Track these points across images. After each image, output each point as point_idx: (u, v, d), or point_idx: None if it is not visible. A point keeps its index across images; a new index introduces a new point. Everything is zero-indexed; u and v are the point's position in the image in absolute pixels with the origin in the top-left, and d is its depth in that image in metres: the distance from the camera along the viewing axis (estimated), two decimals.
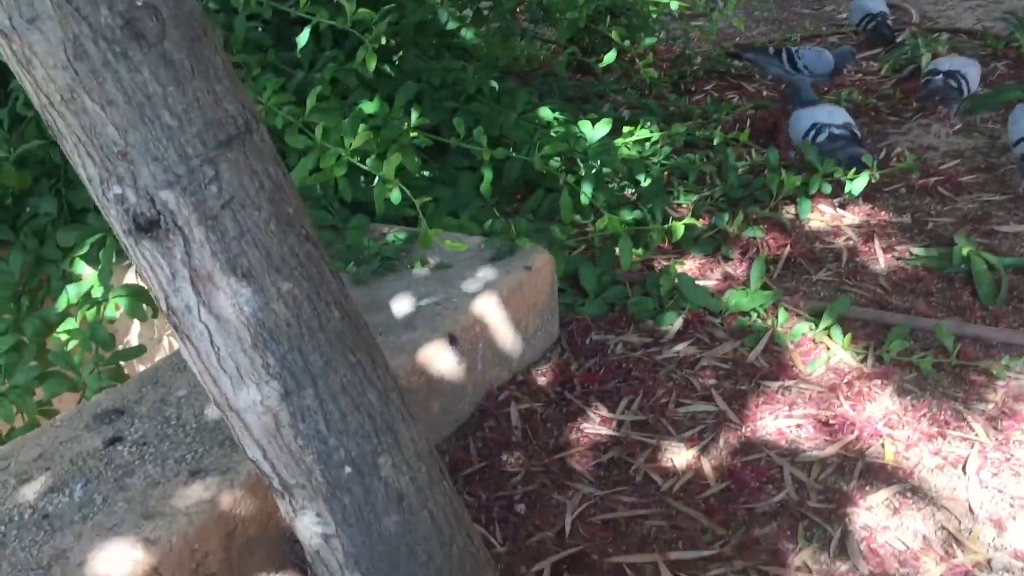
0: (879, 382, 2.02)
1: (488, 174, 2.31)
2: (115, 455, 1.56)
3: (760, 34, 5.18)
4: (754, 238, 2.65)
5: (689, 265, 2.60)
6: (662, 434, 1.93)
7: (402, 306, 1.98)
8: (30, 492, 1.47)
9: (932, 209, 2.83)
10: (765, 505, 1.72)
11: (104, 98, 0.95)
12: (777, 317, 2.25)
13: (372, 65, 2.06)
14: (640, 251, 2.62)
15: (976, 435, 1.85)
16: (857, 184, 2.80)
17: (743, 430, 1.92)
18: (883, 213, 2.82)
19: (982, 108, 3.48)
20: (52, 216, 2.48)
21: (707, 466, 1.83)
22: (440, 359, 1.86)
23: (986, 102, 3.45)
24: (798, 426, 1.92)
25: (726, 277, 2.52)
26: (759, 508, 1.71)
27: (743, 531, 1.66)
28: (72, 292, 2.29)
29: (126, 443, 1.59)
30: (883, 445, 1.84)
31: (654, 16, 3.01)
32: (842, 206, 2.87)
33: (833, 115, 3.11)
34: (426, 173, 2.66)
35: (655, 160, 3.15)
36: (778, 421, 1.94)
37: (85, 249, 2.36)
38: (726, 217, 2.72)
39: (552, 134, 2.86)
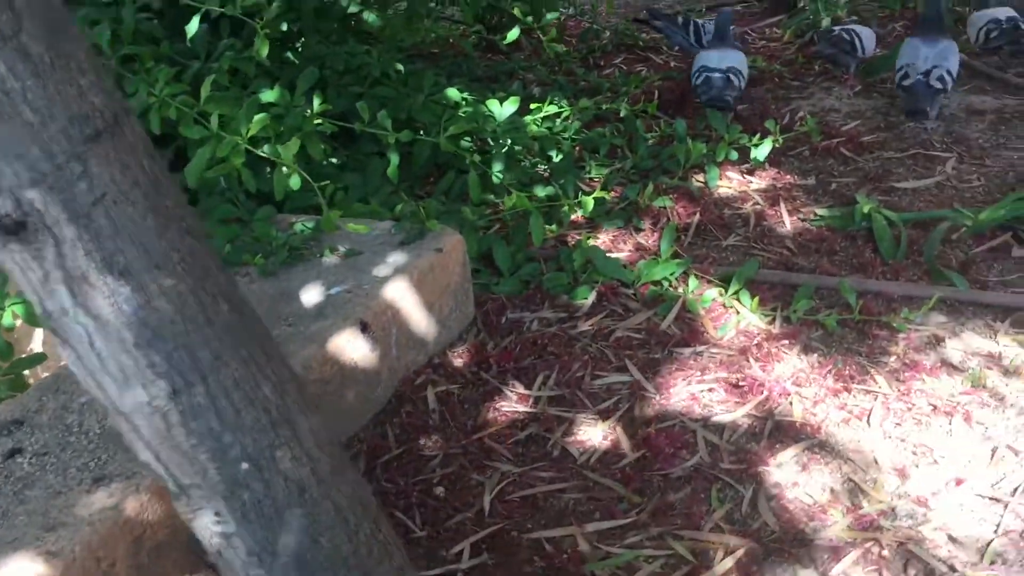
0: (787, 342, 2.07)
1: (394, 158, 2.28)
2: (14, 468, 1.51)
3: (665, 5, 5.22)
4: (664, 208, 2.68)
5: (602, 238, 2.62)
6: (579, 408, 1.94)
7: (312, 295, 1.95)
8: None
9: (835, 170, 2.90)
10: (679, 470, 1.75)
11: None
12: (688, 285, 2.28)
13: (265, 52, 2.02)
14: (554, 227, 2.63)
15: (879, 387, 1.90)
16: (761, 150, 2.85)
17: (657, 398, 1.95)
18: (788, 176, 2.87)
19: (881, 69, 3.56)
20: None
21: (623, 436, 1.85)
22: (352, 347, 1.85)
23: (884, 63, 3.53)
24: (710, 390, 1.95)
25: (638, 248, 2.54)
26: (673, 474, 1.74)
27: (658, 497, 1.69)
28: None
29: (26, 454, 1.54)
30: (791, 403, 1.88)
31: None
32: (749, 172, 2.92)
33: (723, 59, 3.15)
34: (335, 160, 2.62)
35: (566, 136, 3.16)
36: (691, 387, 1.97)
37: None
38: (636, 189, 2.74)
39: (460, 114, 2.84)
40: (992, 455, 1.71)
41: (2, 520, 1.38)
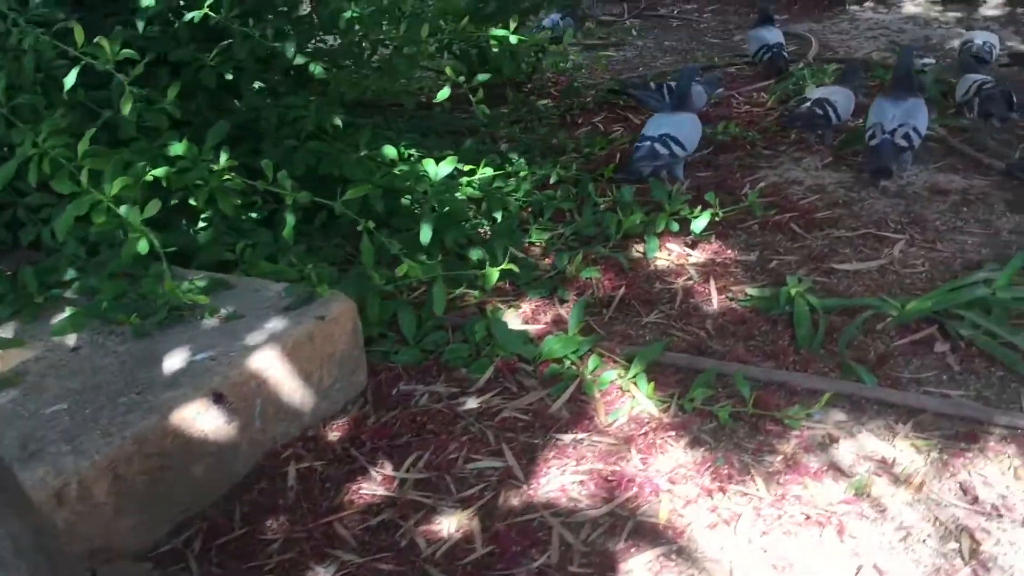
0: (675, 433, 1.97)
1: (290, 219, 2.24)
2: None
3: (664, 64, 5.17)
4: (590, 279, 2.60)
5: (525, 308, 2.54)
6: (442, 494, 1.85)
7: (176, 361, 1.90)
8: None
9: (781, 246, 2.80)
10: (523, 571, 1.65)
11: None
12: (588, 364, 2.19)
13: (127, 109, 1.99)
14: (476, 293, 2.56)
15: (756, 490, 1.79)
16: (698, 223, 2.76)
17: (526, 488, 1.85)
18: (731, 251, 2.78)
19: (859, 140, 3.45)
20: None
21: (477, 529, 1.76)
22: (203, 419, 1.78)
23: (858, 136, 3.42)
24: (581, 483, 1.85)
25: (557, 320, 2.46)
26: (516, 574, 1.64)
27: None
28: None
29: None
30: (660, 503, 1.77)
31: (495, 50, 2.96)
32: (693, 244, 2.82)
33: (661, 125, 3.09)
34: (255, 215, 2.59)
35: (516, 196, 3.10)
36: (563, 477, 1.87)
37: None
38: (566, 257, 2.67)
39: (396, 172, 2.80)
40: (856, 574, 1.59)
41: None
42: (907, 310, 2.25)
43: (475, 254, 2.70)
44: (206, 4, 2.61)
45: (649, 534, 1.71)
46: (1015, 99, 3.43)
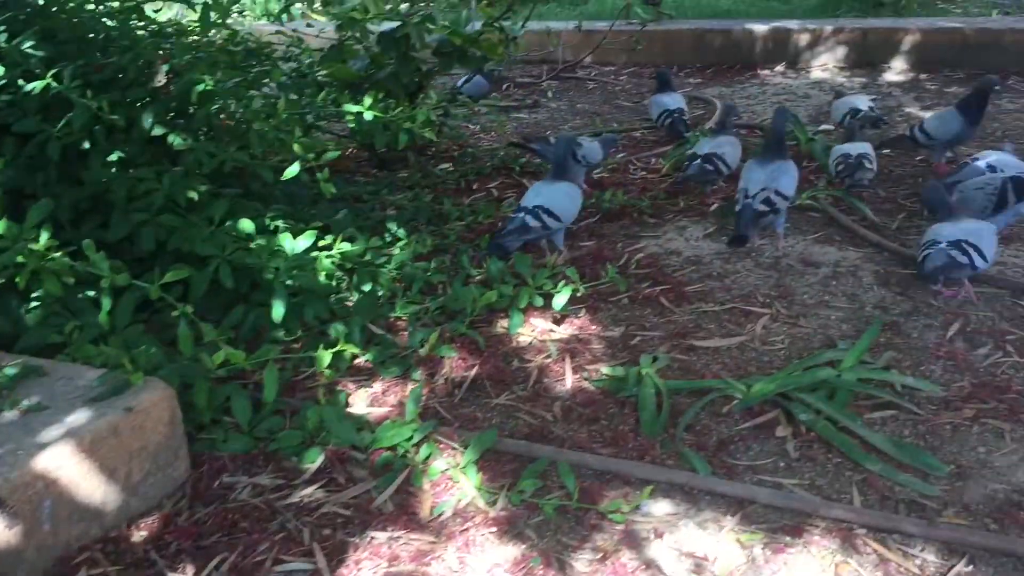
0: (497, 529, 1.88)
1: (106, 302, 2.14)
2: None
3: (573, 126, 5.18)
4: (444, 358, 2.52)
5: (376, 388, 2.45)
6: None
7: None
8: None
9: (648, 321, 2.74)
10: None
11: None
12: (420, 453, 2.10)
13: None
14: (329, 372, 2.47)
15: None
16: (559, 299, 2.71)
17: None
18: (595, 327, 2.72)
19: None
20: None
21: None
22: None
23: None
24: None
25: (404, 403, 2.37)
26: None
27: None
28: None
29: None
30: None
31: (352, 125, 2.90)
32: (558, 320, 2.76)
33: (537, 196, 3.07)
34: (92, 293, 2.48)
35: (389, 267, 3.03)
36: None
37: None
38: (419, 335, 2.59)
39: (253, 246, 2.71)
40: None
41: None
42: (752, 392, 2.20)
43: (335, 330, 2.62)
44: (49, 75, 2.55)
45: None
46: (872, 164, 3.46)
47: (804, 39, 6.11)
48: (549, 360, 2.54)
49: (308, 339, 2.65)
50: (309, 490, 2.02)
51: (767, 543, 1.79)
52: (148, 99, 2.82)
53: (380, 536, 1.88)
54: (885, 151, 4.01)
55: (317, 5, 4.20)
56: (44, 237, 2.18)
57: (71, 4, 2.95)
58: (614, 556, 1.78)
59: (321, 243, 2.90)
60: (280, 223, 2.96)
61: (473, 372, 2.47)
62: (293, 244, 2.72)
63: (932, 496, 1.89)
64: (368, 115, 2.77)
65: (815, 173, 3.90)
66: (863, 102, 4.27)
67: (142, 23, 3.10)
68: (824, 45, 6.07)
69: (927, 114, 4.63)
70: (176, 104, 2.81)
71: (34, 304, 2.41)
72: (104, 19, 3.02)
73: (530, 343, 2.64)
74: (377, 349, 2.57)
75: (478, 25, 4.06)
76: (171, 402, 2.03)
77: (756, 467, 2.02)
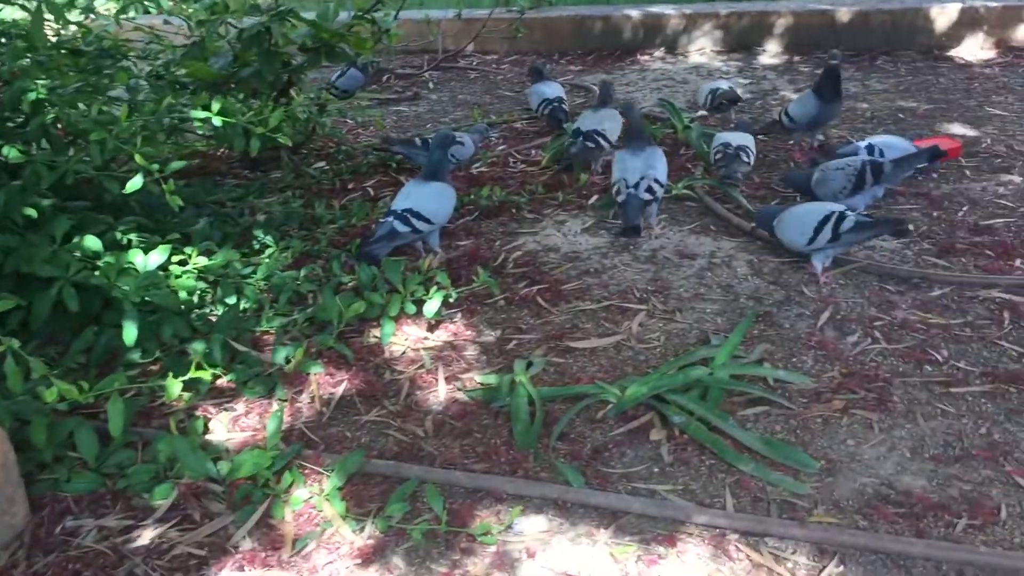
0: (362, 561, 1.78)
1: None
2: None
3: (455, 119, 5.07)
4: (309, 374, 2.40)
5: (240, 409, 2.32)
6: None
7: None
8: None
9: (524, 323, 2.68)
10: None
11: None
12: (282, 481, 1.98)
13: None
14: (187, 396, 2.32)
15: None
16: (431, 305, 2.62)
17: None
18: (470, 331, 2.64)
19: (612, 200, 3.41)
20: None
21: None
22: None
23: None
24: None
25: (266, 426, 2.24)
26: None
27: None
28: None
29: None
30: None
31: (200, 131, 2.74)
32: (432, 326, 2.67)
33: (407, 198, 2.99)
34: None
35: (255, 278, 2.88)
36: None
37: None
38: (284, 351, 2.46)
39: (100, 264, 2.53)
40: None
41: None
42: (626, 396, 2.16)
43: (197, 348, 2.47)
44: None
45: None
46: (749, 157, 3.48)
47: (681, 24, 6.15)
48: (422, 370, 2.45)
49: (167, 359, 2.49)
50: (160, 530, 1.89)
51: (641, 555, 1.75)
52: None
53: None
54: (760, 136, 4.04)
55: None
56: None
57: None
58: None
59: (179, 257, 2.74)
60: (134, 236, 2.78)
61: (342, 388, 2.37)
62: (145, 260, 2.55)
63: (803, 495, 1.88)
64: (217, 121, 2.60)
65: (692, 161, 3.90)
66: (724, 83, 4.32)
67: None
68: (700, 29, 6.12)
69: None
70: (8, 114, 2.60)
71: None
72: None
73: (403, 353, 2.54)
74: (240, 368, 2.43)
75: (348, 17, 3.91)
76: (2, 443, 1.86)
77: (631, 474, 1.98)
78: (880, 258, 2.90)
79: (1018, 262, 2.79)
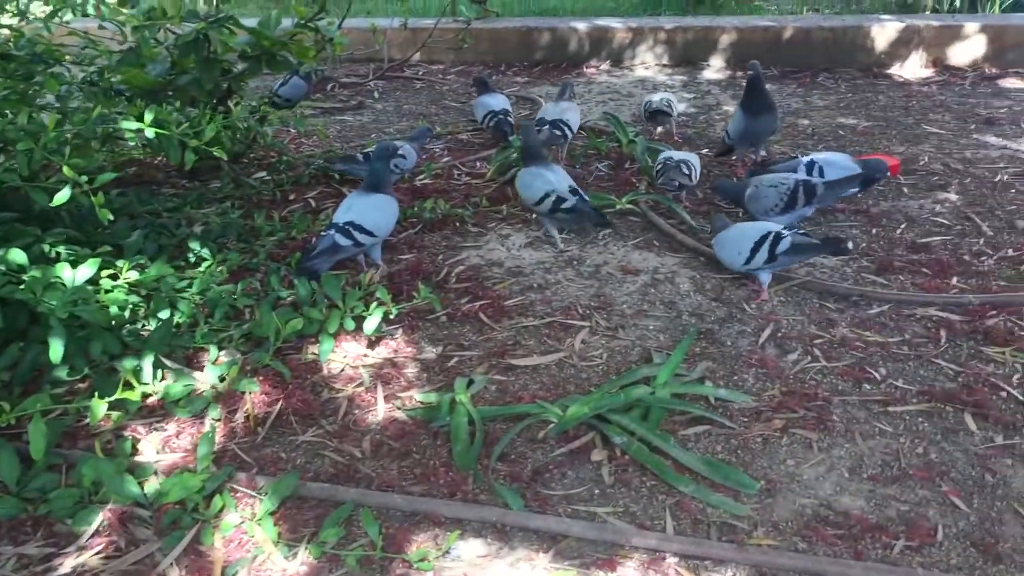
0: None
1: None
2: None
3: (399, 129, 5.03)
4: (243, 393, 2.33)
5: (170, 430, 2.24)
6: None
7: None
8: None
9: (466, 340, 2.64)
10: None
11: None
12: (212, 505, 1.92)
13: None
14: (116, 415, 2.24)
15: None
16: (370, 322, 2.57)
17: None
18: (411, 348, 2.59)
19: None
20: None
21: None
22: None
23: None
24: None
25: (197, 448, 2.17)
26: None
27: None
28: None
29: None
30: None
31: (132, 141, 2.67)
32: (372, 343, 2.62)
33: (348, 211, 2.94)
34: None
35: (190, 292, 2.79)
36: None
37: None
38: (218, 369, 2.39)
39: (26, 278, 2.43)
40: None
41: None
42: (567, 416, 2.13)
43: (127, 365, 2.39)
44: None
45: None
46: (692, 170, 3.48)
47: (627, 37, 6.18)
48: (361, 389, 2.40)
49: (96, 376, 2.41)
50: (83, 558, 1.81)
51: None
52: None
53: None
54: (706, 152, 4.07)
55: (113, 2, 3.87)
56: None
57: None
58: None
59: (110, 270, 2.65)
60: (62, 249, 2.69)
61: (278, 407, 2.30)
62: (73, 274, 2.46)
63: (743, 516, 1.87)
64: (150, 132, 2.53)
65: (636, 175, 3.91)
66: (659, 96, 4.34)
67: None
68: (646, 43, 6.16)
69: None
70: None
71: None
72: None
73: (341, 370, 2.49)
74: (171, 385, 2.36)
75: (290, 25, 3.85)
76: None
77: (571, 496, 1.95)
78: (820, 275, 2.92)
79: (954, 280, 2.83)
